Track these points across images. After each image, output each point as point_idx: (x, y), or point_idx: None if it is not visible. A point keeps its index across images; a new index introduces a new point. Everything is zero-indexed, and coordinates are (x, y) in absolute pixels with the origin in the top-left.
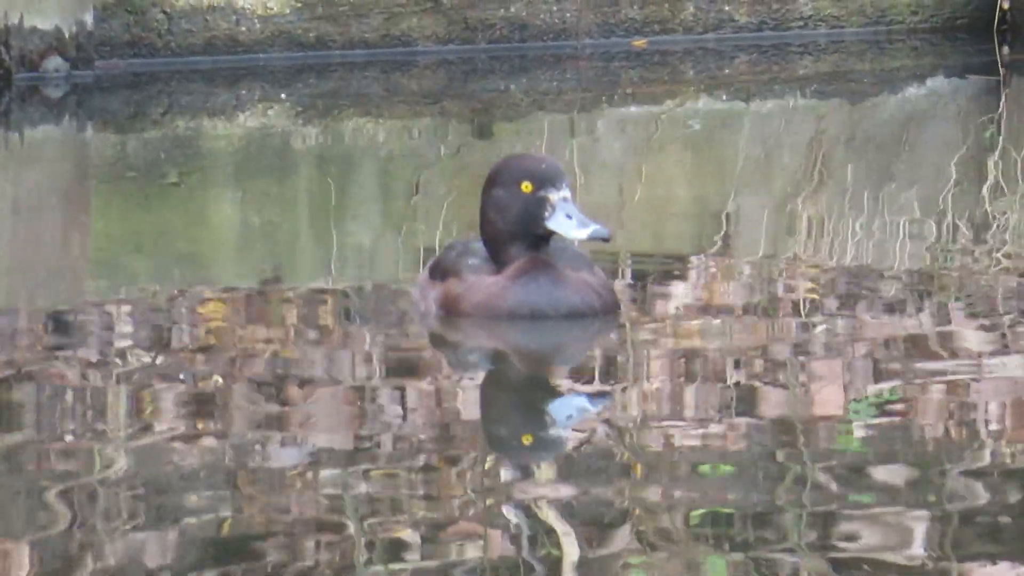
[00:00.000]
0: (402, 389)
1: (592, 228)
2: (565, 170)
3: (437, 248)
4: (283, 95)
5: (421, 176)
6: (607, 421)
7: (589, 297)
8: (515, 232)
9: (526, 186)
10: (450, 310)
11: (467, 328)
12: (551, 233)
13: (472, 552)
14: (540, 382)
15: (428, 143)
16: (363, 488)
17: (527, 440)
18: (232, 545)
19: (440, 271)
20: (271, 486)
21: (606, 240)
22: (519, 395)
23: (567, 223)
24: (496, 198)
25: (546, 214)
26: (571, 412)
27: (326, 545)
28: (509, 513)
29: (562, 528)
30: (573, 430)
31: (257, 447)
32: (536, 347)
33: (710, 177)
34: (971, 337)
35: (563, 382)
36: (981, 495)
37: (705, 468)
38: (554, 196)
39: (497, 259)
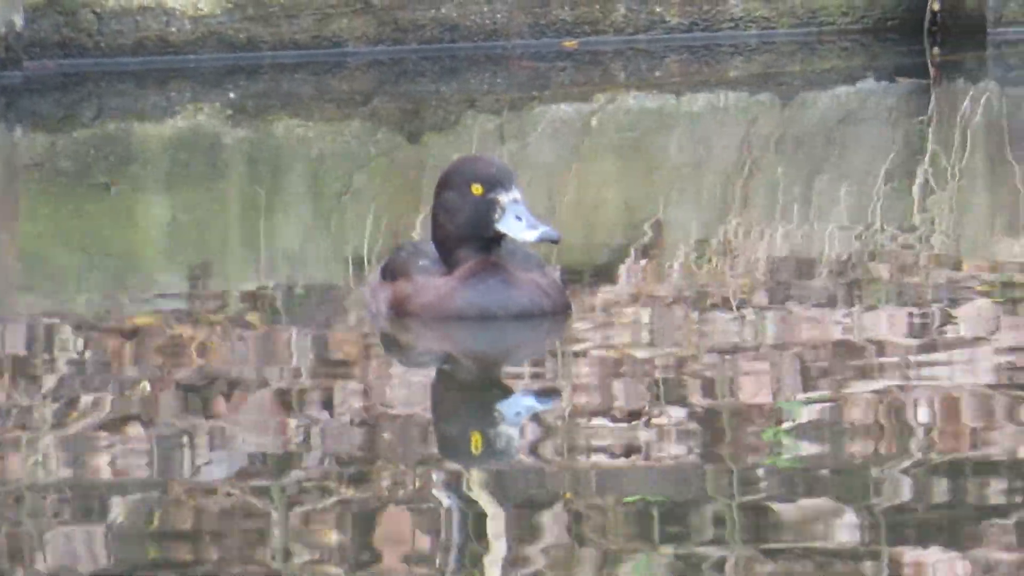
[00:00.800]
0: (347, 389)
1: (541, 230)
2: (516, 172)
3: (367, 248)
4: (231, 94)
5: (351, 177)
6: (552, 420)
7: (539, 298)
8: (465, 234)
9: (476, 188)
10: (400, 311)
11: (417, 329)
12: (501, 235)
13: (401, 551)
14: (489, 382)
15: (358, 144)
16: (295, 487)
17: (475, 439)
18: (160, 548)
19: (391, 272)
20: (200, 490)
21: (555, 242)
22: (467, 395)
23: (517, 225)
24: (447, 200)
25: (496, 216)
26: (519, 411)
27: (252, 550)
28: (441, 509)
29: (494, 525)
30: (520, 429)
31: (188, 450)
32: (485, 348)
33: (641, 178)
34: (900, 333)
35: (512, 382)
36: (910, 487)
37: (641, 463)
38: (504, 198)
39: (447, 261)
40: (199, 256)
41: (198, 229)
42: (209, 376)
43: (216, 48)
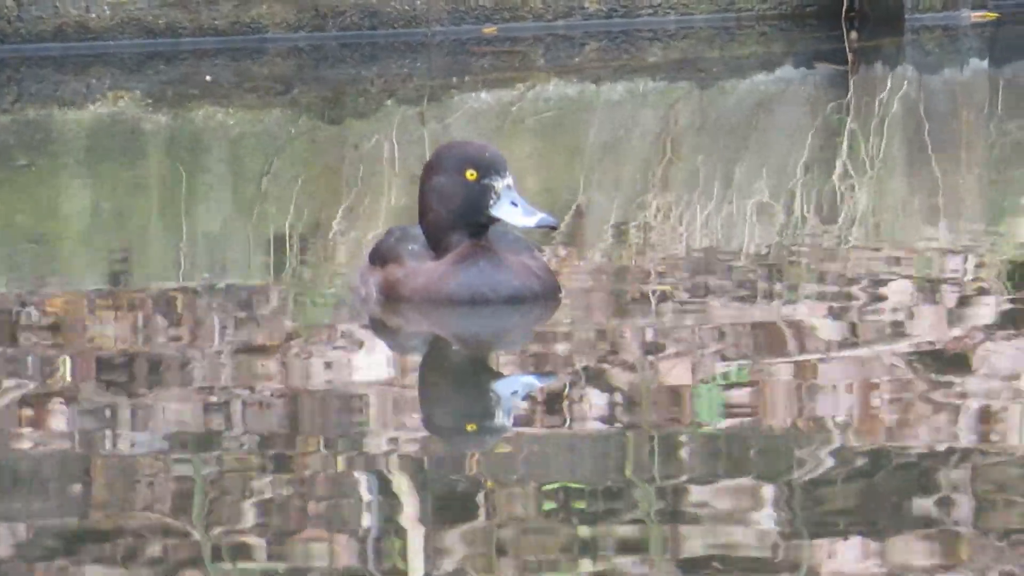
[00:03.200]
0: (329, 371)
1: (540, 216)
2: (503, 157)
3: (288, 230)
4: (208, 77)
5: (272, 161)
6: (537, 401)
7: (530, 281)
8: (458, 219)
9: (471, 174)
10: (391, 295)
11: (408, 313)
12: (495, 220)
13: (324, 529)
14: (480, 364)
15: (279, 129)
16: (219, 463)
17: (470, 427)
18: (82, 538)
19: (380, 257)
20: (126, 478)
21: (554, 228)
22: (458, 378)
23: (513, 211)
24: (439, 185)
25: (491, 202)
26: (507, 393)
27: (175, 538)
28: (373, 486)
29: (411, 508)
30: (506, 411)
31: (119, 438)
32: (477, 331)
33: (561, 164)
34: (819, 318)
35: (503, 364)
36: (826, 469)
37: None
38: (499, 184)
39: (437, 246)
40: (120, 239)
41: (118, 213)
42: (130, 356)
43: (135, 34)
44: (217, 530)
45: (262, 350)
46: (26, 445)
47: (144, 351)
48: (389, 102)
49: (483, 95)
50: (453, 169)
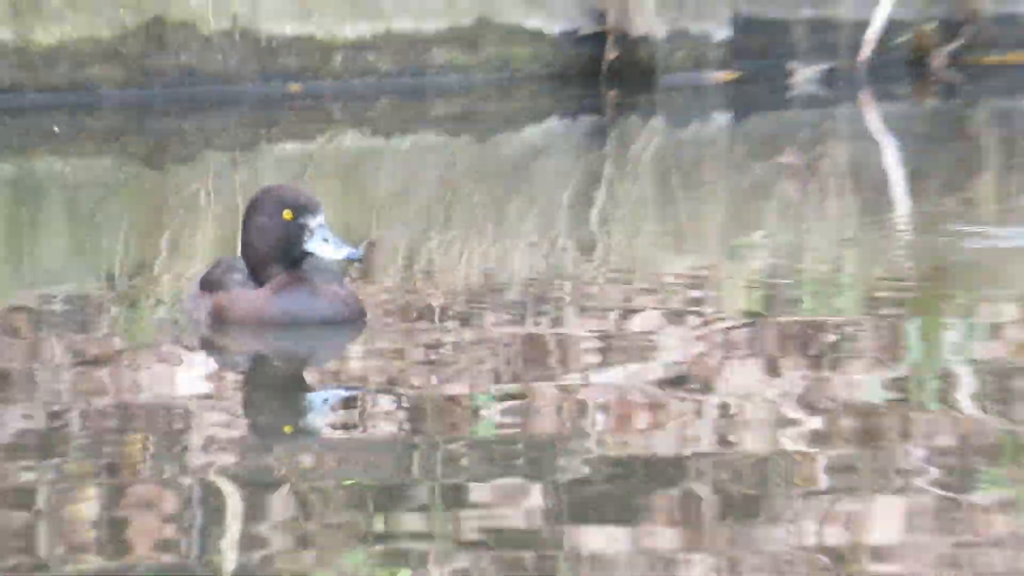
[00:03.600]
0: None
1: (347, 250)
2: (320, 200)
3: (119, 264)
4: (55, 128)
5: (103, 203)
6: (338, 411)
7: (339, 307)
8: (277, 254)
9: (287, 214)
10: (219, 318)
11: (235, 334)
12: (309, 254)
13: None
14: (296, 379)
15: (110, 175)
16: (59, 470)
17: (287, 429)
18: None
19: (209, 284)
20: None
21: (360, 261)
22: (277, 389)
23: (325, 246)
24: (260, 224)
25: (305, 239)
26: (317, 404)
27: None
28: (194, 491)
29: (233, 505)
30: (315, 417)
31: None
32: (293, 349)
33: (357, 204)
34: (581, 339)
35: (314, 378)
36: (588, 469)
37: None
38: (312, 223)
39: (259, 276)
40: None
41: None
42: None
43: None
44: (46, 529)
45: (98, 362)
46: None
47: None
48: (206, 150)
49: (288, 145)
50: (272, 210)
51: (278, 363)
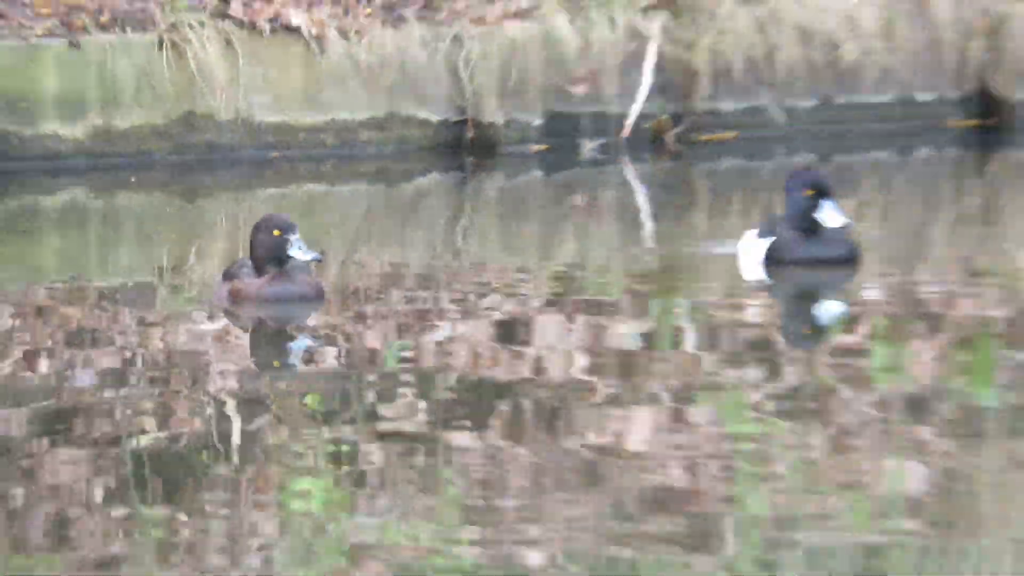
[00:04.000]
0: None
1: (313, 255)
2: (297, 222)
3: (169, 265)
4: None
5: (159, 225)
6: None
7: (311, 290)
8: (271, 257)
9: (276, 232)
10: (235, 298)
11: (244, 307)
12: (291, 258)
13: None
14: (283, 334)
15: (162, 207)
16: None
17: (276, 363)
18: None
19: (228, 276)
20: None
21: (320, 261)
22: (270, 340)
23: (300, 252)
24: (260, 239)
25: (288, 248)
26: (297, 350)
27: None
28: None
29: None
30: (301, 360)
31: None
32: (282, 316)
33: (315, 227)
34: (450, 310)
35: (296, 334)
36: (454, 393)
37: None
38: (292, 237)
39: (260, 271)
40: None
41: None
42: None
43: None
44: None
45: (158, 324)
46: None
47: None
48: (221, 192)
49: (271, 190)
50: (267, 229)
51: (271, 324)
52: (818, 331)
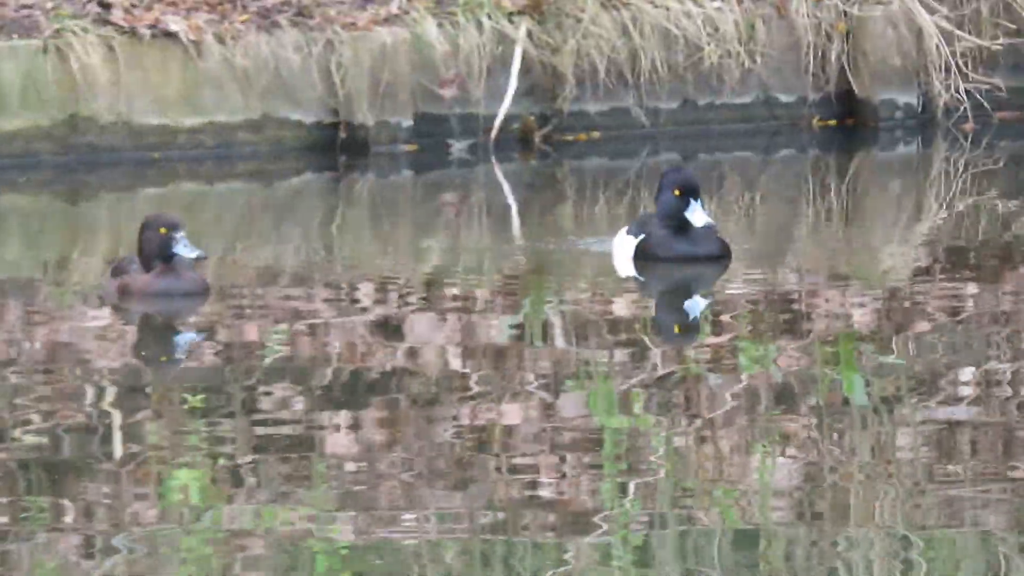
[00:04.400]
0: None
1: (197, 252)
2: (183, 220)
3: (58, 260)
4: (20, 180)
5: (44, 227)
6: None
7: (196, 285)
8: (158, 253)
9: (163, 230)
10: (123, 293)
11: (133, 303)
12: (175, 255)
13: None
14: (169, 327)
15: (47, 209)
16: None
17: (164, 358)
18: None
19: (117, 272)
20: None
21: (204, 258)
22: (156, 333)
23: (185, 249)
24: (147, 237)
25: (174, 245)
26: (180, 343)
27: None
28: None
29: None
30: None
31: None
32: (168, 311)
33: (196, 224)
34: (325, 301)
35: (182, 327)
36: (328, 378)
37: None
38: (178, 235)
39: (146, 267)
40: None
41: None
42: None
43: None
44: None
45: (43, 319)
46: None
47: None
48: (104, 193)
49: (151, 190)
50: (154, 227)
51: (158, 319)
52: (686, 326)
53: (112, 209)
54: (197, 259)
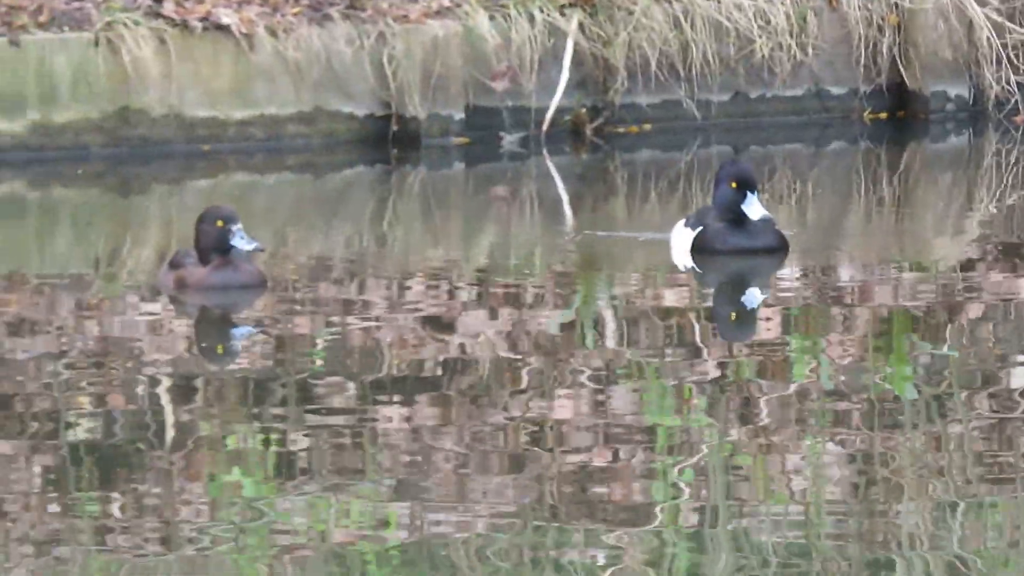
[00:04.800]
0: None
1: (255, 244)
2: (238, 213)
3: (113, 250)
4: (79, 171)
5: (100, 217)
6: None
7: (254, 278)
8: (214, 246)
9: (220, 223)
10: (179, 286)
11: (189, 295)
12: (232, 247)
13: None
14: (226, 319)
15: (100, 200)
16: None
17: (220, 349)
18: None
19: (173, 264)
20: None
21: (262, 251)
22: (215, 325)
23: (242, 242)
24: (204, 229)
25: (231, 238)
26: (240, 335)
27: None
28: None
29: None
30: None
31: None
32: (226, 303)
33: (252, 217)
34: (375, 302)
35: (239, 319)
36: (383, 370)
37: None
38: (234, 228)
39: (204, 260)
40: None
41: None
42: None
43: None
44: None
45: (95, 311)
46: None
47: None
48: (156, 185)
49: (203, 182)
50: (210, 220)
51: (215, 311)
52: (742, 320)
53: (163, 201)
54: (254, 251)
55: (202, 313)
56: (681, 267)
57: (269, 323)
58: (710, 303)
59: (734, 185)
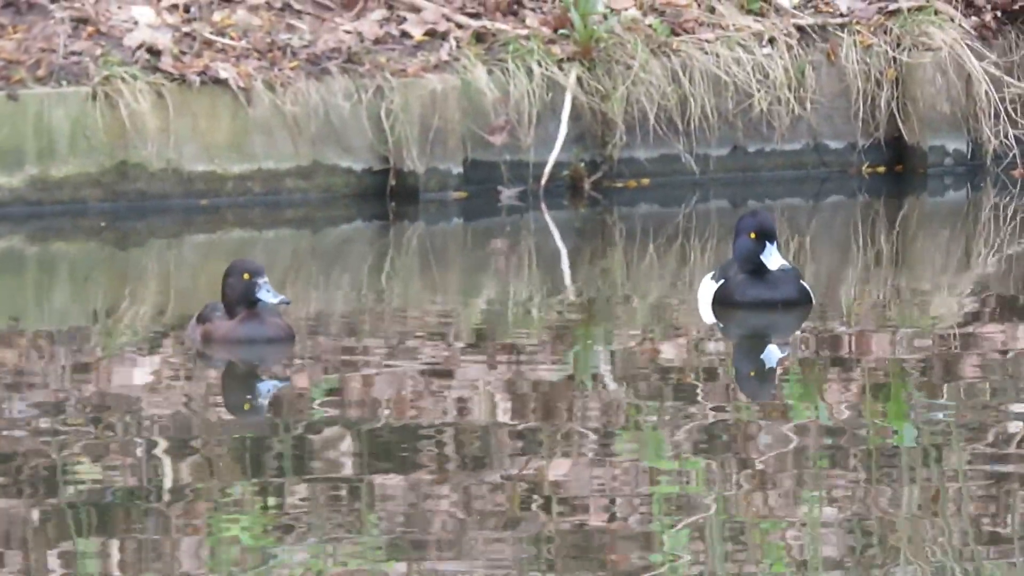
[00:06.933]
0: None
1: (280, 298)
2: (263, 266)
3: (133, 304)
4: (102, 223)
5: (99, 273)
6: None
7: (280, 332)
8: (241, 300)
9: (246, 276)
10: (206, 340)
11: (216, 350)
12: (259, 300)
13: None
14: (252, 374)
15: (98, 255)
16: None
17: (247, 406)
18: None
19: (201, 318)
20: None
21: (288, 304)
22: (241, 379)
23: (268, 295)
24: (231, 283)
25: (257, 291)
26: (267, 389)
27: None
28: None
29: None
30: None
31: None
32: (251, 358)
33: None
34: (377, 347)
35: (265, 374)
36: (380, 424)
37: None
38: (261, 281)
39: (231, 313)
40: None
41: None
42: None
43: None
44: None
45: (92, 366)
46: None
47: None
48: (153, 239)
49: (200, 236)
50: (237, 274)
51: (242, 366)
52: (759, 377)
53: (160, 256)
54: (280, 304)
55: (229, 367)
56: (705, 320)
57: (300, 378)
58: (726, 360)
59: (753, 236)
